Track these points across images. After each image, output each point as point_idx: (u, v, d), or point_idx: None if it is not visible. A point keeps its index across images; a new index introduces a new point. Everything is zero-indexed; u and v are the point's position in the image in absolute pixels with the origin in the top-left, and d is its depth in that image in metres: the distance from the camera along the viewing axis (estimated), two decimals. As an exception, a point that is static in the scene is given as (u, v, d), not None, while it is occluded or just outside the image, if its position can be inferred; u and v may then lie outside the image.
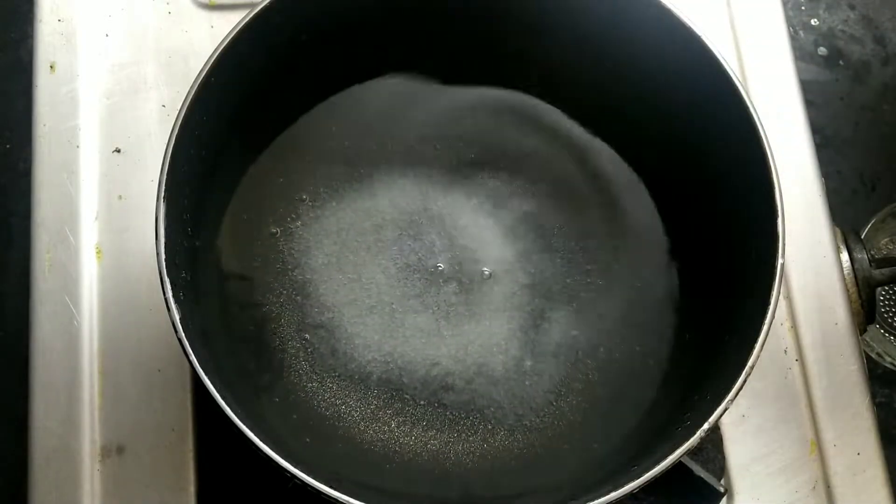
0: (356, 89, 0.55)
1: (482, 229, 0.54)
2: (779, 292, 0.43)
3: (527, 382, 0.51)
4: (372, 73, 0.55)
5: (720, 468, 0.54)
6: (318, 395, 0.50)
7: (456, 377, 0.51)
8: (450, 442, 0.50)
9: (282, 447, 0.40)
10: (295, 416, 0.50)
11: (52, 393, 0.53)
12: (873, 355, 0.86)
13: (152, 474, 0.52)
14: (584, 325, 0.53)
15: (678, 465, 0.41)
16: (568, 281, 0.54)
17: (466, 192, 0.55)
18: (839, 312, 0.58)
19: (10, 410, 0.75)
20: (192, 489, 0.52)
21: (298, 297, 0.52)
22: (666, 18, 0.47)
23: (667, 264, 0.54)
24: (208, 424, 0.53)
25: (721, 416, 0.41)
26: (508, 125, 0.56)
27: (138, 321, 0.54)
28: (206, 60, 0.44)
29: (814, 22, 0.94)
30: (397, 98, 0.55)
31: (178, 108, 0.43)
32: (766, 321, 0.42)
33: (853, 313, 0.58)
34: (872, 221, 0.87)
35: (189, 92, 0.44)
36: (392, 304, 0.52)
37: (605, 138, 0.55)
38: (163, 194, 0.42)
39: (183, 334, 0.41)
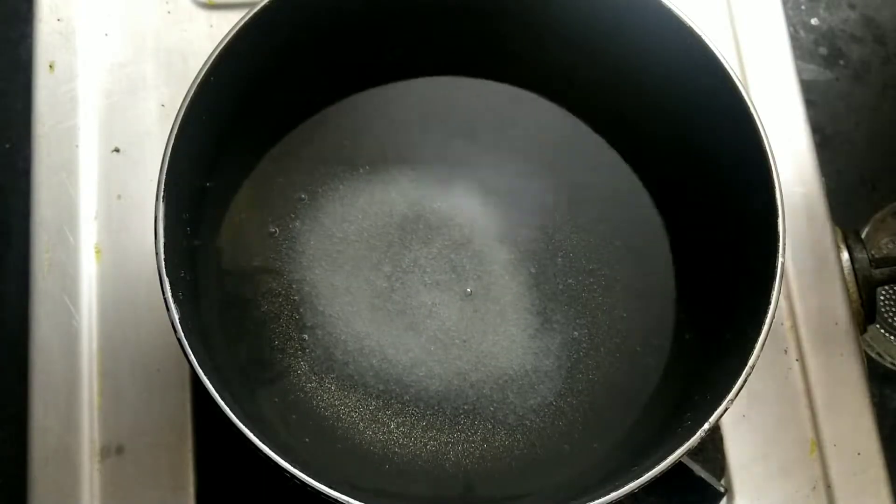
0: (355, 88, 0.55)
1: (483, 229, 0.54)
2: (779, 292, 0.43)
3: (527, 382, 0.51)
4: (371, 73, 0.55)
5: (720, 468, 0.54)
6: (317, 396, 0.50)
7: (456, 378, 0.51)
8: (449, 442, 0.50)
9: (281, 447, 0.40)
10: (294, 416, 0.50)
11: (52, 393, 0.53)
12: (873, 355, 0.86)
13: (152, 474, 0.52)
14: (585, 325, 0.53)
15: (678, 465, 0.41)
16: (570, 281, 0.54)
17: (467, 191, 0.55)
18: (839, 312, 0.57)
19: (10, 410, 0.75)
20: (191, 489, 0.52)
21: (297, 297, 0.52)
22: (666, 18, 0.47)
23: (667, 264, 0.54)
24: (208, 424, 0.53)
25: (721, 416, 0.41)
26: (510, 125, 0.56)
27: (137, 321, 0.54)
28: (205, 60, 0.44)
29: (814, 21, 0.94)
30: (397, 97, 0.55)
31: (178, 108, 0.43)
32: (766, 321, 0.42)
33: (853, 313, 0.58)
34: (872, 221, 0.87)
35: (188, 91, 0.44)
36: (391, 304, 0.52)
37: (604, 137, 0.55)
38: (162, 194, 0.42)
39: (182, 334, 0.41)
